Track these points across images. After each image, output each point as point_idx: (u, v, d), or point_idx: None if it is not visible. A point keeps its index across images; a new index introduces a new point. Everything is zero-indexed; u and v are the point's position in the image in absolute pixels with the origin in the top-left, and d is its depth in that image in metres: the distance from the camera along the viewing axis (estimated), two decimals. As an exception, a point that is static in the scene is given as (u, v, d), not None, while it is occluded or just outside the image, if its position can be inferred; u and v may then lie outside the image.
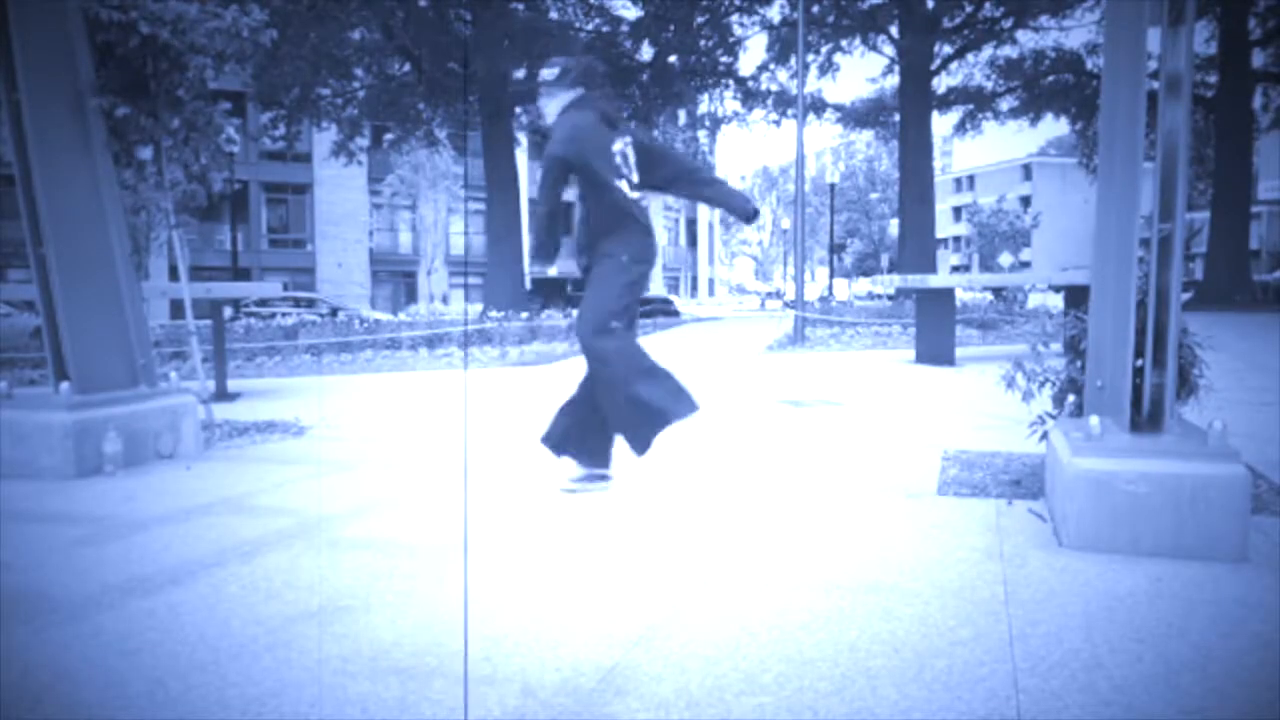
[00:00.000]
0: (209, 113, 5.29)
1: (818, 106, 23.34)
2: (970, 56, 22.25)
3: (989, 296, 15.48)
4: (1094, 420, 2.89)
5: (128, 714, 1.84)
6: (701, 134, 24.31)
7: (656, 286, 46.03)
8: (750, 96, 22.58)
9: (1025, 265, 56.84)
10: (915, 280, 10.32)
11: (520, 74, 18.99)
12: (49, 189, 4.26)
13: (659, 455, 4.55)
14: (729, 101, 23.19)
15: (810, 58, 20.88)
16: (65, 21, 4.41)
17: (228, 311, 9.30)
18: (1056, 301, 13.51)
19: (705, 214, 51.62)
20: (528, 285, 22.16)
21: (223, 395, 7.12)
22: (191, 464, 4.44)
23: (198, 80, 5.16)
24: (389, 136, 22.49)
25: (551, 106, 3.79)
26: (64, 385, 4.29)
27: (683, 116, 24.19)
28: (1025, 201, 67.44)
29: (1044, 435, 3.50)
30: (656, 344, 13.73)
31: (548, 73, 3.79)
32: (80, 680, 2.00)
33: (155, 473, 4.23)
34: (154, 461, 4.43)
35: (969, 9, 20.16)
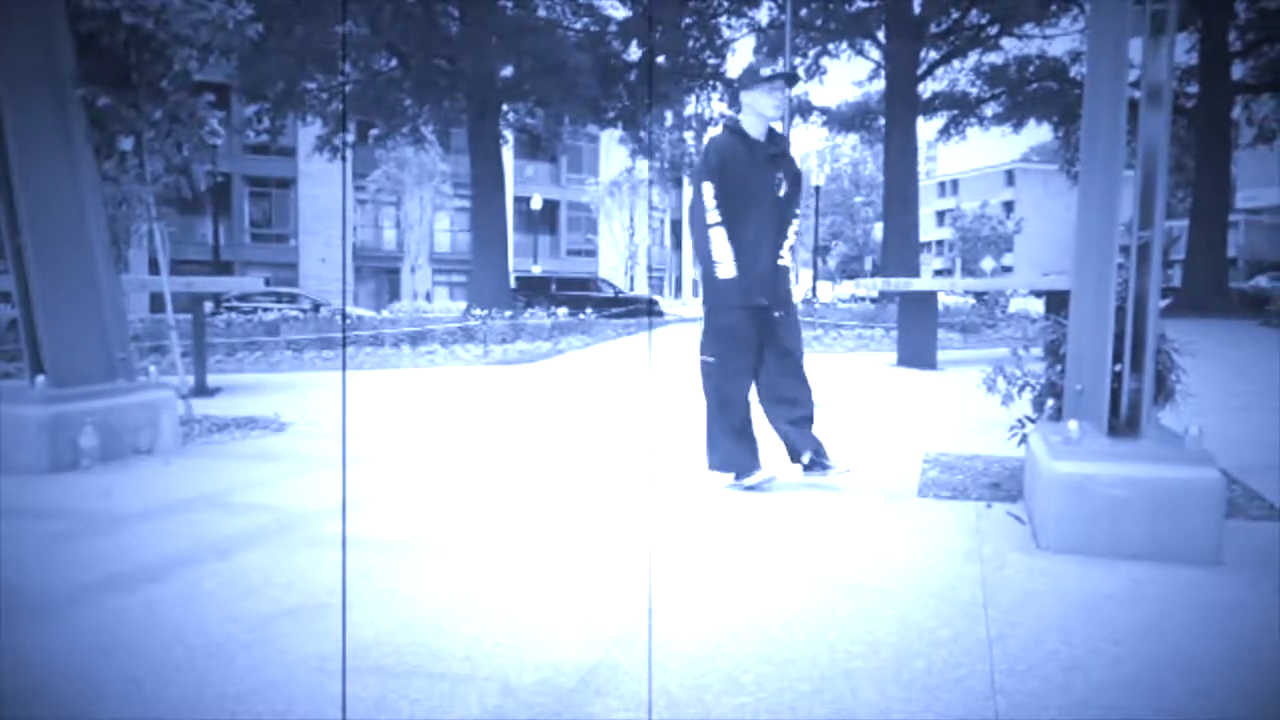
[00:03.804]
0: (192, 104, 5.23)
1: (804, 109, 23.38)
2: (956, 62, 22.35)
3: (971, 300, 15.60)
4: (1073, 424, 2.92)
5: (101, 713, 1.82)
6: (688, 135, 24.31)
7: (640, 287, 46.06)
8: (737, 98, 22.47)
9: (1007, 270, 57.24)
10: (898, 283, 10.37)
11: (508, 71, 18.93)
12: (27, 179, 4.20)
13: (638, 453, 4.55)
14: (716, 103, 23.20)
15: (797, 60, 20.93)
16: (46, 9, 4.35)
17: (208, 306, 9.22)
18: (1037, 306, 13.61)
19: (691, 215, 51.62)
20: (512, 283, 22.09)
21: (202, 390, 7.05)
22: (170, 460, 4.39)
23: (181, 72, 5.10)
24: (374, 132, 22.33)
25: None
26: (40, 378, 4.23)
27: (670, 117, 24.16)
28: (1008, 207, 67.90)
29: (1024, 439, 3.52)
30: (640, 345, 13.73)
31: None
32: (53, 678, 1.98)
33: (133, 468, 4.18)
34: (132, 457, 4.38)
35: (955, 16, 20.26)
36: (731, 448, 3.72)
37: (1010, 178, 72.78)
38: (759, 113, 3.76)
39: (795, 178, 3.84)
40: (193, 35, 5.06)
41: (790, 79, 3.88)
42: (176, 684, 1.93)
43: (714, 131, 3.92)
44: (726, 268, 3.65)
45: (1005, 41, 21.69)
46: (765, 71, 3.78)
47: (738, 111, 3.87)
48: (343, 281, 35.44)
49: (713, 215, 3.65)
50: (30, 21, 4.27)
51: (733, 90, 3.79)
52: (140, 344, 8.88)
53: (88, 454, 4.14)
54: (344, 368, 9.98)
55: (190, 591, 2.51)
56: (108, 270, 4.60)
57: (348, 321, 13.81)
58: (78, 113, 4.48)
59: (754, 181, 3.71)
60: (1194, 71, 22.65)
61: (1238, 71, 23.12)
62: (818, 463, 3.75)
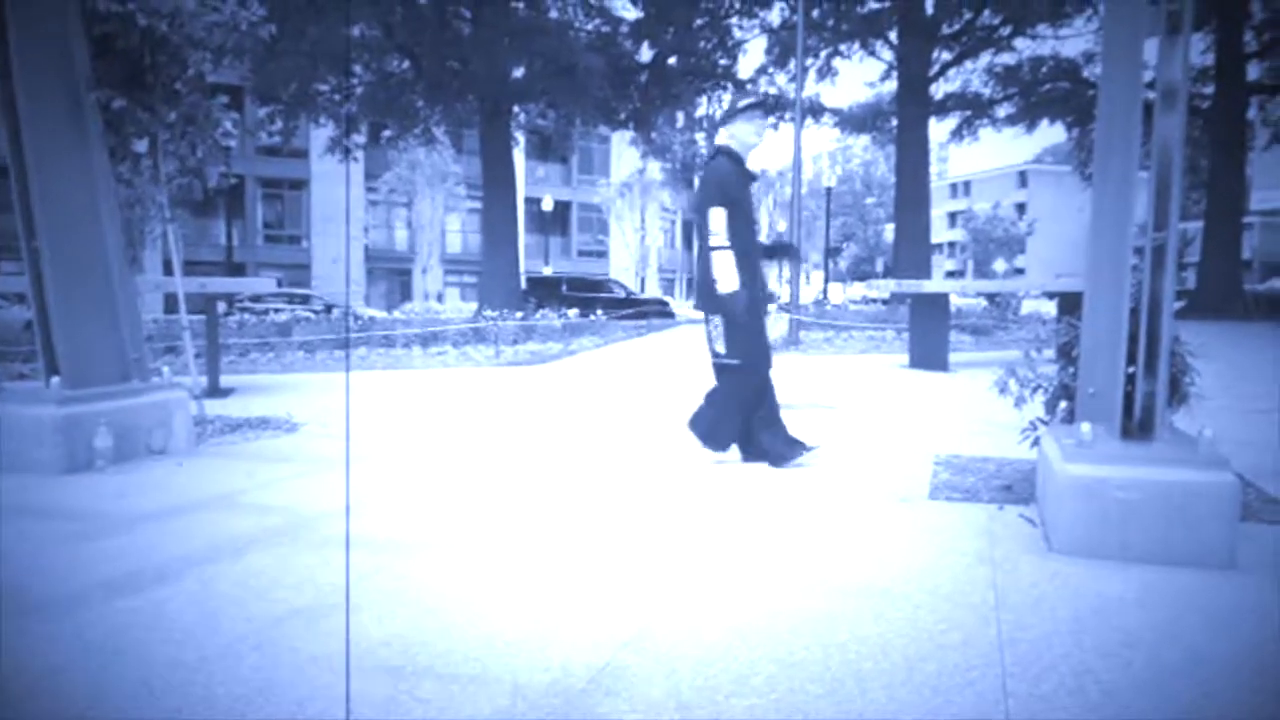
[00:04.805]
0: (206, 106, 5.26)
1: (816, 110, 23.32)
2: (968, 63, 22.25)
3: (983, 302, 15.54)
4: (1086, 427, 2.90)
5: (113, 713, 1.84)
6: (699, 136, 24.31)
7: (652, 288, 46.03)
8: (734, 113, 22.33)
9: (1019, 272, 57.04)
10: (910, 285, 10.34)
11: (519, 73, 18.96)
12: (43, 181, 4.24)
13: (651, 454, 4.55)
14: (727, 103, 23.17)
15: (809, 61, 20.87)
16: (62, 13, 4.39)
17: (221, 307, 9.26)
18: (1050, 308, 13.54)
19: (701, 216, 51.56)
20: (523, 284, 22.12)
21: (215, 391, 7.10)
22: (183, 460, 4.42)
23: (195, 74, 5.14)
24: (386, 133, 22.38)
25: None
26: (55, 379, 4.26)
27: (681, 118, 24.17)
28: (1020, 208, 67.60)
29: (1036, 441, 3.50)
30: (652, 345, 13.74)
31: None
32: (65, 678, 1.99)
33: (146, 468, 4.21)
34: (145, 457, 4.41)
35: (968, 16, 20.19)
36: (782, 437, 4.21)
37: (1023, 179, 72.44)
38: (742, 141, 4.20)
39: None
40: (206, 37, 5.09)
41: (765, 107, 4.35)
42: (187, 684, 1.94)
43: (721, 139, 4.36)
44: (727, 283, 4.02)
45: (1018, 42, 21.59)
46: (741, 103, 4.28)
47: (715, 138, 4.42)
48: (346, 282, 35.57)
49: (717, 239, 4.02)
50: (46, 25, 4.30)
51: (729, 114, 4.36)
52: (154, 345, 8.94)
53: (102, 454, 4.17)
54: (348, 368, 10.01)
55: (202, 592, 2.53)
56: (122, 271, 4.63)
57: (359, 322, 13.86)
58: (93, 115, 4.52)
59: (747, 203, 4.21)
60: (1209, 72, 22.49)
61: (1253, 72, 22.94)
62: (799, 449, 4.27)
